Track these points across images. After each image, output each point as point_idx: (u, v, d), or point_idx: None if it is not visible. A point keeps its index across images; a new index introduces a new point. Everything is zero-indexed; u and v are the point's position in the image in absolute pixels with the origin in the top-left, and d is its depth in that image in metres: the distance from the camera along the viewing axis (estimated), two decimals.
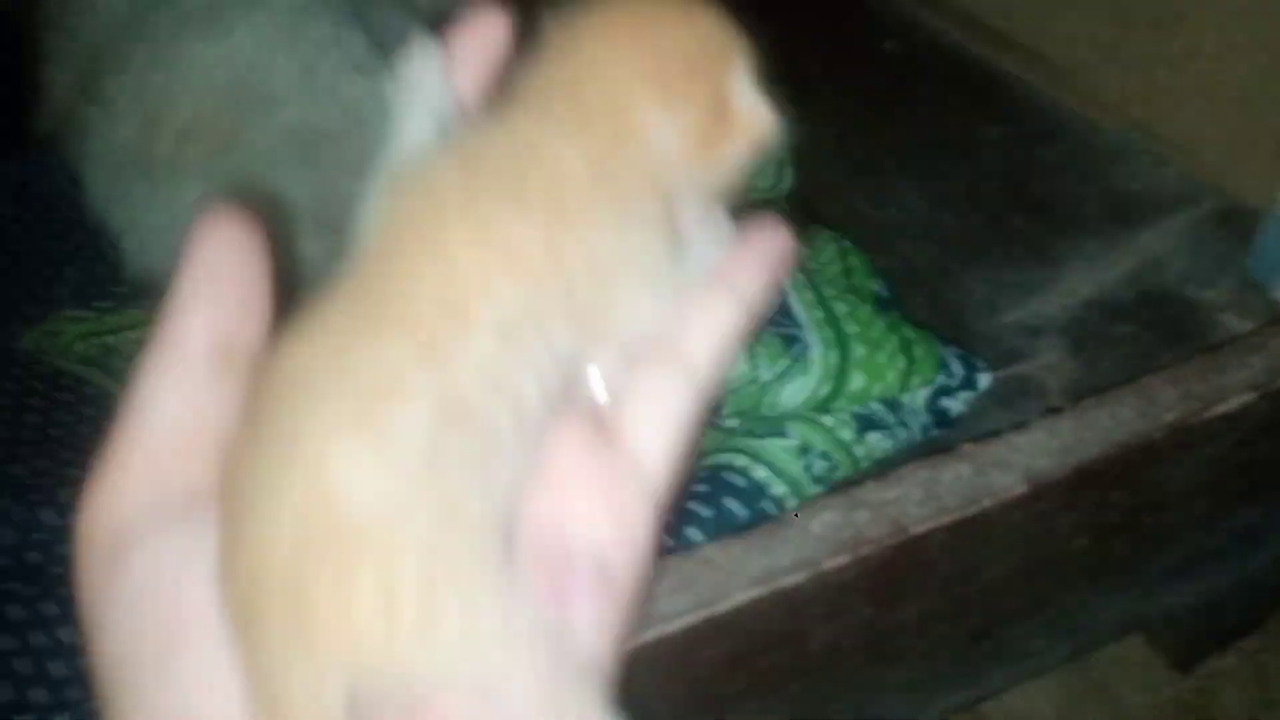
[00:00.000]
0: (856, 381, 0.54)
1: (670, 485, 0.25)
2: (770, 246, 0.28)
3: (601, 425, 0.25)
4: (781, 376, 0.53)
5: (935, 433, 0.57)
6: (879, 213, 0.74)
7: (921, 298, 0.67)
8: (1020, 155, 0.75)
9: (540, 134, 0.25)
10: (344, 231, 0.25)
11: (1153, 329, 0.62)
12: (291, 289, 0.25)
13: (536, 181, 0.24)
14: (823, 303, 0.57)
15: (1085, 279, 0.66)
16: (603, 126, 0.25)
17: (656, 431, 0.25)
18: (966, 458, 0.45)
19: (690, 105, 0.26)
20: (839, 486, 0.45)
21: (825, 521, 0.43)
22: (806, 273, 0.62)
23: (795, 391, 0.53)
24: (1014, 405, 0.59)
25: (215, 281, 0.25)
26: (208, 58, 0.75)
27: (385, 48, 0.79)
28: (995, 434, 0.46)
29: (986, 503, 0.43)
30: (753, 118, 0.27)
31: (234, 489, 0.22)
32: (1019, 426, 0.46)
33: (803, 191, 0.76)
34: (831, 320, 0.56)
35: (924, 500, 0.43)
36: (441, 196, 0.24)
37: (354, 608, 0.20)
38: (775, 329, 0.55)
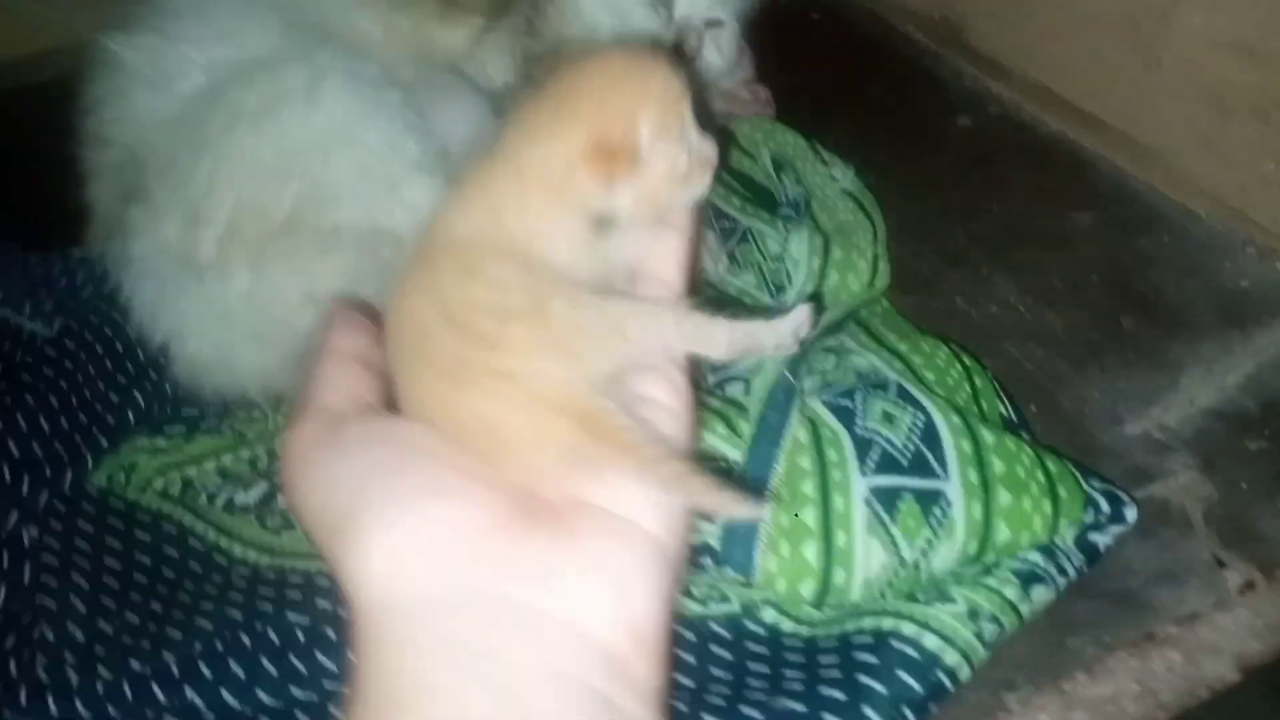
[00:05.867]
0: (1002, 534, 0.52)
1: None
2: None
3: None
4: (927, 551, 0.51)
5: (1085, 571, 0.55)
6: (977, 310, 0.72)
7: (1036, 406, 0.65)
8: (1117, 245, 0.74)
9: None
10: None
11: None
12: None
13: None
14: (969, 430, 0.55)
15: (1204, 386, 0.65)
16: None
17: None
18: (1174, 644, 0.43)
19: (679, 142, 0.33)
20: (1038, 680, 0.43)
21: None
22: (948, 392, 0.60)
23: (944, 558, 0.51)
24: (1156, 535, 0.57)
25: (345, 360, 0.35)
26: (260, 148, 0.71)
27: (450, 147, 0.76)
28: (1192, 612, 0.44)
29: (1203, 694, 0.42)
30: (705, 151, 0.34)
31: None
32: (1219, 605, 0.44)
33: (897, 285, 0.73)
34: (977, 456, 0.54)
35: (1140, 695, 0.42)
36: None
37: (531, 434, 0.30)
38: (916, 484, 0.53)
